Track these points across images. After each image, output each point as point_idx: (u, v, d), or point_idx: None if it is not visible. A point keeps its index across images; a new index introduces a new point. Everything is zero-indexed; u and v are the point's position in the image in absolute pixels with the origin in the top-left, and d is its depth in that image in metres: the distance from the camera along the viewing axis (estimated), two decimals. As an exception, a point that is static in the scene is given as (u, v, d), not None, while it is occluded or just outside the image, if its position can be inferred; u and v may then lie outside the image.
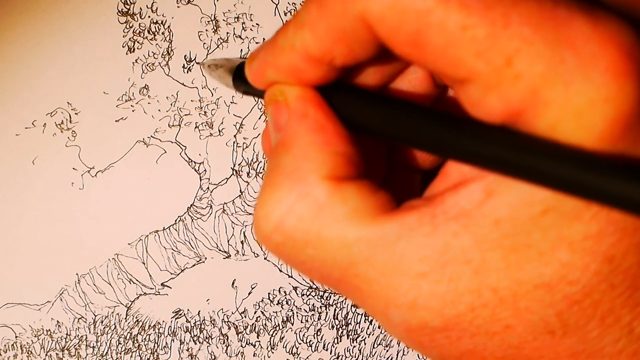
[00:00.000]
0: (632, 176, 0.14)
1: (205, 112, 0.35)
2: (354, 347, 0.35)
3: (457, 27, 0.15)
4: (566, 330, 0.16)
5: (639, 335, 0.16)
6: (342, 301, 0.35)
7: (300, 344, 0.35)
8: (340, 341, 0.35)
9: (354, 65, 0.18)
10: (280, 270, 0.35)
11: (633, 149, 0.15)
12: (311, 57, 0.17)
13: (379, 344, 0.35)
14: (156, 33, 0.35)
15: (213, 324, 0.35)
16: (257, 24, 0.35)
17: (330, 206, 0.17)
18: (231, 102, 0.35)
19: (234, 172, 0.35)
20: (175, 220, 0.35)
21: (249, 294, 0.35)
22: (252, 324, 0.35)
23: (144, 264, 0.35)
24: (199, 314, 0.35)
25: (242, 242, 0.35)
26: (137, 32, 0.35)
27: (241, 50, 0.35)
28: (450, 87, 0.18)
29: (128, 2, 0.35)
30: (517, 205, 0.15)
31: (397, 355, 0.35)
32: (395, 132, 0.17)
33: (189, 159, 0.35)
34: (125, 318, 0.36)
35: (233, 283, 0.35)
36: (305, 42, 0.17)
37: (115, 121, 0.35)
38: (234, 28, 0.35)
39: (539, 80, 0.14)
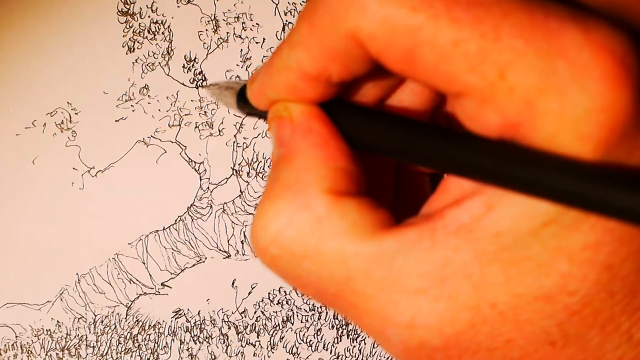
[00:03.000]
0: (627, 186, 0.14)
1: (205, 112, 0.35)
2: (354, 346, 0.35)
3: (449, 43, 0.15)
4: (567, 341, 0.16)
5: (638, 341, 0.16)
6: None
7: (300, 343, 0.35)
8: (340, 341, 0.35)
9: (351, 80, 0.18)
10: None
11: (628, 158, 0.15)
12: (308, 76, 0.17)
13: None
14: (156, 33, 0.35)
15: (213, 324, 0.35)
16: (257, 23, 0.35)
17: (329, 220, 0.17)
18: (231, 102, 0.35)
19: (234, 172, 0.35)
20: (175, 220, 0.35)
21: (249, 293, 0.35)
22: (252, 324, 0.35)
23: (144, 263, 0.35)
24: (199, 313, 0.35)
25: (242, 242, 0.35)
26: (137, 32, 0.35)
27: (241, 50, 0.35)
28: (447, 98, 0.18)
29: (128, 2, 0.35)
30: (517, 218, 0.15)
31: (397, 355, 0.35)
32: (394, 149, 0.17)
33: (189, 158, 0.35)
34: (125, 318, 0.36)
35: (233, 283, 0.35)
36: (300, 62, 0.17)
37: (115, 121, 0.35)
38: (234, 28, 0.35)
39: (533, 91, 0.14)
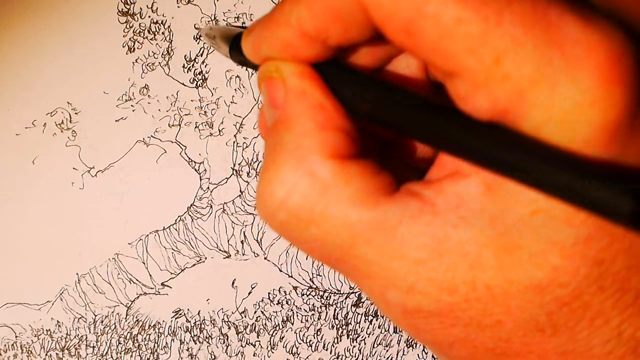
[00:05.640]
0: (610, 182, 0.14)
1: (205, 112, 0.35)
2: (354, 346, 0.35)
3: (452, 20, 0.15)
4: (555, 330, 0.16)
5: (629, 338, 0.16)
6: (342, 301, 0.35)
7: (300, 343, 0.35)
8: (340, 341, 0.35)
9: (348, 45, 0.18)
10: (280, 270, 0.35)
11: (622, 156, 0.15)
12: (305, 34, 0.17)
13: (379, 343, 0.35)
14: (156, 33, 0.35)
15: (213, 324, 0.35)
16: (257, 23, 0.35)
17: (334, 186, 0.17)
18: (231, 102, 0.35)
19: (234, 172, 0.35)
20: (175, 220, 0.35)
21: (249, 293, 0.35)
22: (252, 324, 0.35)
23: (144, 263, 0.35)
24: (199, 313, 0.35)
25: (242, 242, 0.35)
26: (137, 32, 0.35)
27: (241, 50, 0.35)
28: (440, 79, 0.18)
29: (128, 2, 0.35)
30: (509, 203, 0.16)
31: (397, 355, 0.35)
32: (384, 115, 0.17)
33: (189, 158, 0.35)
34: (125, 318, 0.36)
35: (233, 283, 0.35)
36: (300, 19, 0.17)
37: (115, 121, 0.35)
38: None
39: (525, 81, 0.14)
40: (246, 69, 0.34)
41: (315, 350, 0.35)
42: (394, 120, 0.17)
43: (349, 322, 0.35)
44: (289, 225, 0.18)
